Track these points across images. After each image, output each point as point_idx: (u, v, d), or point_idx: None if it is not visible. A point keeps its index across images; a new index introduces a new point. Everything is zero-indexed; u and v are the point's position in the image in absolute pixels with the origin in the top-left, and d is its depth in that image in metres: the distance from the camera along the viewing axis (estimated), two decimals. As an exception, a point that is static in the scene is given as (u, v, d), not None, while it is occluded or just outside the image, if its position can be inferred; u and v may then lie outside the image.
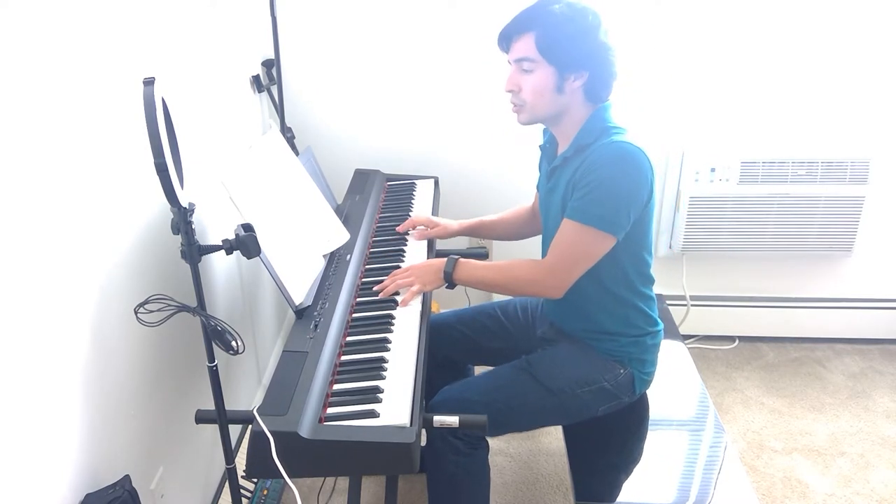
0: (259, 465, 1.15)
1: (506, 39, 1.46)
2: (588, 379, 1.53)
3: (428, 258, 1.75)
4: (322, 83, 2.31)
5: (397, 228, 1.87)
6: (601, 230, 1.39)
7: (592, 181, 1.37)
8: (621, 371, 1.54)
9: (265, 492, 1.87)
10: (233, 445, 1.80)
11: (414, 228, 1.86)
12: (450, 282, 1.54)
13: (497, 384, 1.54)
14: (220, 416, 1.35)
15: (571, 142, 1.47)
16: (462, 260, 1.55)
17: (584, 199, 1.39)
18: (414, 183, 2.19)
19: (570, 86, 1.42)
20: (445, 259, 1.55)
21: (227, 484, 1.78)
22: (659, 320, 1.60)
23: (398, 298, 1.53)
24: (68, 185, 1.13)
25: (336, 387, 1.29)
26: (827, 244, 2.39)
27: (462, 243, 2.54)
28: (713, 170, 2.30)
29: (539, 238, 1.70)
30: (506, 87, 1.48)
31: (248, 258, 1.25)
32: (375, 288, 1.56)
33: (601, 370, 1.53)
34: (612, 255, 1.43)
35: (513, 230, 1.88)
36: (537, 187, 1.72)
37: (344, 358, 1.38)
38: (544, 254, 1.61)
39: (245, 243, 1.23)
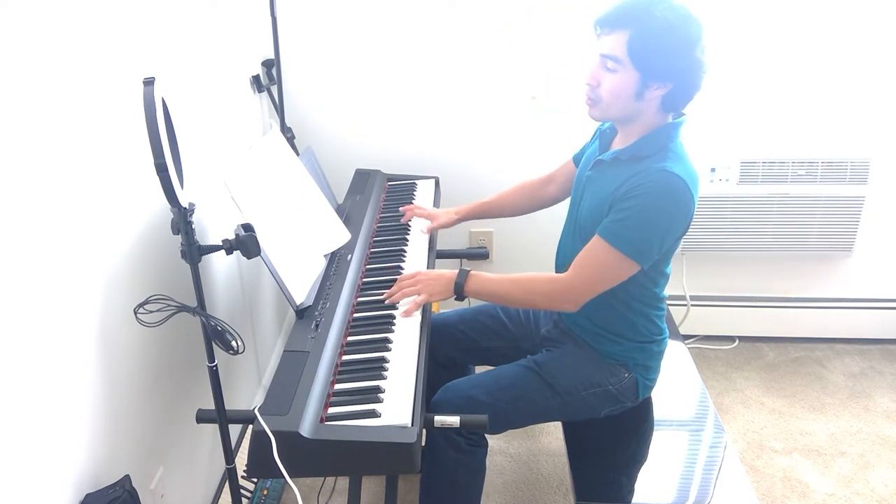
0: (260, 465, 1.15)
1: (604, 26, 1.36)
2: (594, 381, 1.52)
3: (428, 259, 1.75)
4: (322, 83, 2.31)
5: (402, 220, 1.89)
6: (629, 257, 1.36)
7: (633, 206, 1.34)
8: (626, 375, 1.54)
9: (265, 492, 1.87)
10: (233, 445, 1.80)
11: (418, 218, 1.88)
12: (460, 294, 1.51)
13: (503, 383, 1.54)
14: (221, 416, 1.35)
15: (630, 145, 1.42)
16: (473, 273, 1.52)
17: (620, 222, 1.36)
18: (414, 183, 2.19)
19: (650, 94, 1.36)
20: (457, 271, 1.52)
21: (227, 484, 1.78)
22: (665, 329, 1.59)
23: (398, 306, 1.52)
24: (69, 186, 1.13)
25: (337, 386, 1.29)
26: (827, 244, 2.39)
27: (462, 242, 2.54)
28: (713, 170, 2.30)
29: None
30: (585, 79, 1.41)
31: (248, 258, 1.25)
32: (384, 297, 1.54)
33: (606, 373, 1.53)
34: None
35: (514, 208, 1.88)
36: (574, 158, 1.72)
37: (345, 358, 1.38)
38: (566, 232, 1.60)
39: (245, 243, 1.23)
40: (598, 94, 1.40)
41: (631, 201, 1.34)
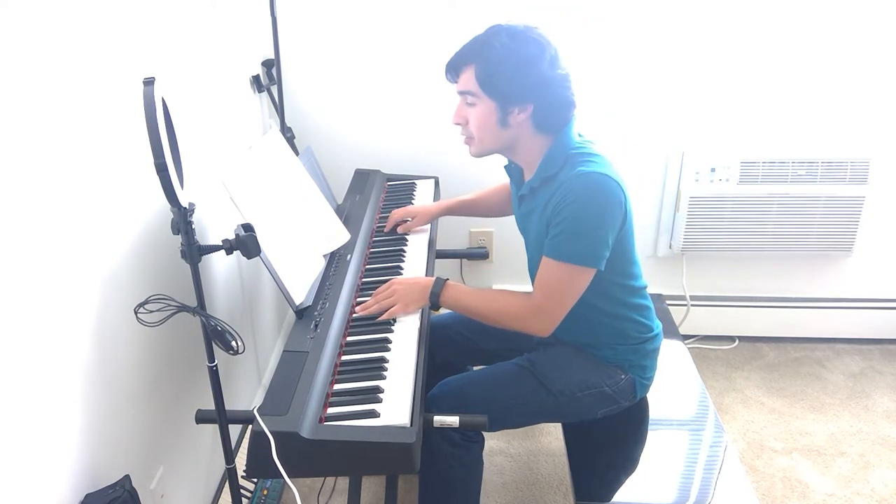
0: (259, 465, 1.15)
1: (451, 71, 1.44)
2: (589, 382, 1.52)
3: (427, 259, 1.75)
4: (322, 83, 2.31)
5: (385, 229, 1.87)
6: (581, 265, 1.37)
7: (565, 218, 1.35)
8: (622, 376, 1.54)
9: (265, 492, 1.87)
10: (233, 445, 1.81)
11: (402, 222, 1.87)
12: (435, 303, 1.50)
13: (497, 381, 1.54)
14: (220, 416, 1.35)
15: (535, 172, 1.45)
16: (450, 283, 1.51)
17: (559, 236, 1.36)
18: (414, 183, 2.19)
19: (514, 119, 1.40)
20: (433, 279, 1.52)
21: (227, 484, 1.78)
22: (656, 324, 1.59)
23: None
24: (69, 186, 1.13)
25: (336, 387, 1.29)
26: (827, 244, 2.39)
27: (462, 242, 2.54)
28: (713, 170, 2.30)
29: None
30: (453, 119, 1.47)
31: (248, 258, 1.25)
32: (357, 309, 1.52)
33: (602, 374, 1.53)
34: (598, 279, 1.41)
35: (494, 207, 1.89)
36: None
37: (344, 358, 1.38)
38: (532, 272, 1.60)
39: (245, 243, 1.23)
40: (469, 131, 1.46)
41: (563, 213, 1.35)
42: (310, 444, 1.14)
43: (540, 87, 1.37)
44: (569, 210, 1.34)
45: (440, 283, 1.51)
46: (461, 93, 1.43)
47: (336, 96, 2.33)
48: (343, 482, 1.95)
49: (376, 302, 1.51)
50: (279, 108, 2.22)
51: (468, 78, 1.40)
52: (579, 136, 1.46)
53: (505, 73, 1.36)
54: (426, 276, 1.64)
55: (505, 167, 1.62)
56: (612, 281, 1.46)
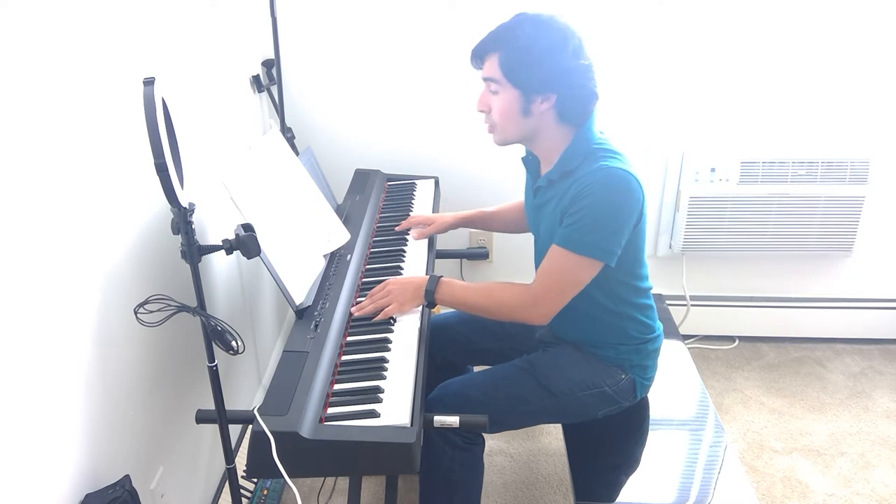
0: (259, 465, 1.15)
1: (476, 58, 1.44)
2: (589, 382, 1.52)
3: (427, 259, 1.75)
4: (322, 83, 2.31)
5: (396, 228, 1.87)
6: (592, 258, 1.36)
7: (583, 209, 1.34)
8: (622, 376, 1.54)
9: (265, 492, 1.87)
10: (233, 445, 1.81)
11: (415, 227, 1.86)
12: (431, 301, 1.50)
13: (497, 383, 1.54)
14: (220, 416, 1.35)
15: (555, 165, 1.44)
16: (444, 279, 1.51)
17: (574, 226, 1.36)
18: (414, 183, 2.19)
19: (536, 108, 1.39)
20: (427, 277, 1.52)
21: (227, 484, 1.78)
22: (658, 325, 1.58)
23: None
24: (69, 186, 1.13)
25: (336, 387, 1.29)
26: (827, 244, 2.39)
27: (462, 242, 2.54)
28: (713, 170, 2.30)
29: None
30: (477, 106, 1.47)
31: (248, 258, 1.25)
32: (353, 309, 1.52)
33: (603, 375, 1.53)
34: (604, 276, 1.40)
35: (512, 223, 1.88)
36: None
37: (344, 358, 1.38)
38: (536, 253, 1.60)
39: (245, 243, 1.23)
40: (492, 120, 1.45)
41: (580, 204, 1.35)
42: (310, 444, 1.14)
43: (562, 77, 1.36)
44: (587, 201, 1.34)
45: (434, 281, 1.50)
46: (486, 79, 1.42)
47: (336, 96, 2.33)
48: (343, 482, 1.95)
49: (372, 302, 1.51)
50: (279, 108, 2.22)
51: (492, 65, 1.39)
52: (600, 132, 1.46)
53: (528, 61, 1.35)
54: (425, 275, 1.64)
55: (522, 158, 1.61)
56: (620, 280, 1.46)
